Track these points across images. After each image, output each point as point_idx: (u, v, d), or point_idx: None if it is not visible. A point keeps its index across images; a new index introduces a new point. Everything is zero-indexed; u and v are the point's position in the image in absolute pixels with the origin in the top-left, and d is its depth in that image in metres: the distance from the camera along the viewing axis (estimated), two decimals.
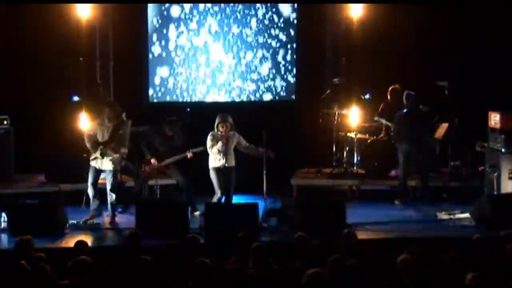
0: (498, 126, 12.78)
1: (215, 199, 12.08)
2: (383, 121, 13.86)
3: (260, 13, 15.44)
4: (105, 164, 11.78)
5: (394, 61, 14.82)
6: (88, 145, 11.89)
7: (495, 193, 12.52)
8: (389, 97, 14.10)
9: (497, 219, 11.21)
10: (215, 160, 12.14)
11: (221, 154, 12.06)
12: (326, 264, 7.64)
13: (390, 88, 14.05)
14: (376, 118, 14.00)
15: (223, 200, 12.12)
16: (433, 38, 14.97)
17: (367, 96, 14.48)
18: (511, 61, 14.61)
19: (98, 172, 11.91)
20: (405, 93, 13.21)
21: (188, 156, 12.58)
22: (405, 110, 13.16)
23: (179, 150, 12.66)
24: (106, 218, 11.96)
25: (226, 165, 12.11)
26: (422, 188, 13.29)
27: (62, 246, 10.52)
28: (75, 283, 7.38)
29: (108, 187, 11.89)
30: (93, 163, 11.83)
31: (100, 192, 12.04)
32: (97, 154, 11.74)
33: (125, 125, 11.95)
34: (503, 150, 12.64)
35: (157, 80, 15.35)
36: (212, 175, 12.15)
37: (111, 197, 11.91)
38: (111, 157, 11.76)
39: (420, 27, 14.92)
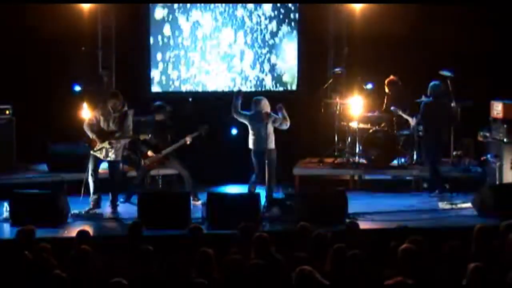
0: (500, 115, 12.78)
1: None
2: (399, 112, 13.69)
3: (262, 3, 15.42)
4: (110, 154, 11.79)
5: (396, 51, 14.80)
6: (90, 135, 11.88)
7: (497, 183, 12.52)
8: (386, 89, 14.08)
9: (499, 209, 11.20)
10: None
11: None
12: (328, 253, 7.66)
13: (387, 80, 14.03)
14: (392, 108, 13.79)
15: None
16: (436, 28, 14.93)
17: (369, 86, 14.46)
18: None
19: (99, 161, 11.93)
20: (431, 83, 13.10)
21: (188, 142, 12.57)
22: (431, 99, 13.06)
23: (173, 138, 12.63)
24: (108, 208, 11.97)
25: None
26: (437, 178, 13.13)
27: (64, 236, 10.52)
28: (76, 273, 7.39)
29: (111, 177, 11.90)
30: (97, 154, 11.83)
31: (102, 182, 12.05)
32: (105, 144, 11.75)
33: (129, 114, 11.97)
34: (505, 140, 12.63)
35: (159, 70, 15.34)
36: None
37: (113, 187, 11.92)
38: (117, 147, 11.78)
39: (423, 16, 14.87)
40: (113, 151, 11.78)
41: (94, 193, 11.93)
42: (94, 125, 11.87)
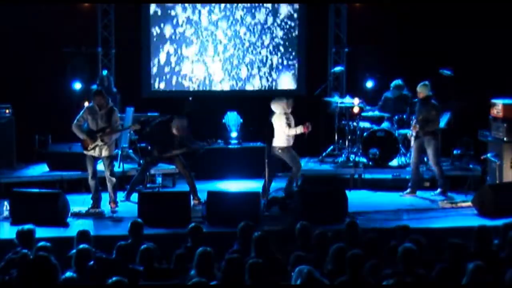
0: (500, 115, 12.76)
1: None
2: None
3: (262, 3, 15.43)
4: (104, 151, 11.87)
5: (396, 50, 14.80)
6: (81, 135, 11.90)
7: (497, 182, 12.51)
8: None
9: (499, 208, 11.22)
10: (290, 139, 12.31)
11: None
12: (327, 253, 7.66)
13: (394, 84, 13.99)
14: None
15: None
16: (436, 26, 14.92)
17: (370, 85, 14.44)
18: None
19: (95, 161, 11.98)
20: (426, 83, 12.74)
21: (203, 149, 12.65)
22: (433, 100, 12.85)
23: (183, 144, 12.60)
24: (110, 205, 11.99)
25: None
26: (444, 178, 13.02)
27: (64, 235, 10.51)
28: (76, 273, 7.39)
29: (108, 173, 11.97)
30: (91, 153, 11.88)
31: (100, 180, 12.09)
32: (98, 142, 11.80)
33: (115, 110, 12.08)
34: (505, 139, 12.62)
35: (159, 69, 15.34)
36: (292, 153, 12.32)
37: (111, 182, 11.98)
38: (110, 143, 11.86)
39: (423, 16, 14.87)
40: (106, 147, 11.87)
41: (94, 193, 11.97)
42: (82, 125, 11.94)
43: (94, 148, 11.86)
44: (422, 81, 12.76)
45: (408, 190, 12.86)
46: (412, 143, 12.84)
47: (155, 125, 12.82)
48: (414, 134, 12.75)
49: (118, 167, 12.93)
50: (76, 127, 11.91)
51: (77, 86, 14.63)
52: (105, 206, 12.00)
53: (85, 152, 11.96)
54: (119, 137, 13.25)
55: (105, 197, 12.06)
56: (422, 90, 12.69)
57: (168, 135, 12.59)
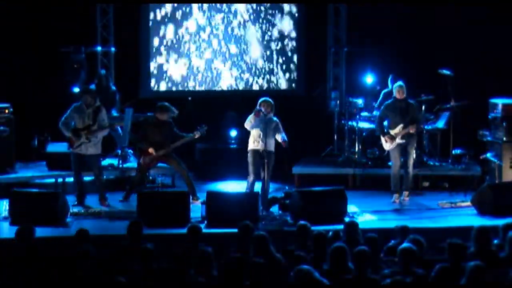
0: (499, 115, 12.76)
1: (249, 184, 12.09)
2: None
3: (262, 3, 15.43)
4: (90, 148, 11.95)
5: (395, 50, 14.80)
6: (66, 133, 12.01)
7: (496, 181, 12.51)
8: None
9: (498, 208, 11.22)
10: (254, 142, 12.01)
11: (261, 137, 11.85)
12: (327, 253, 7.66)
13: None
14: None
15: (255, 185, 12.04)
16: (435, 26, 14.93)
17: (370, 80, 14.45)
18: None
19: (81, 159, 12.08)
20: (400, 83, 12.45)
21: (196, 136, 12.51)
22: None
23: (175, 137, 12.55)
24: (100, 202, 12.06)
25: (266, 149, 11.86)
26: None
27: (64, 235, 10.51)
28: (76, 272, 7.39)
29: (96, 172, 12.09)
30: (77, 150, 11.97)
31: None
32: (83, 139, 11.89)
33: (102, 109, 12.17)
34: (504, 138, 12.62)
35: (158, 69, 15.33)
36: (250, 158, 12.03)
37: (100, 181, 12.15)
38: (96, 141, 11.90)
39: (422, 16, 14.87)
40: (91, 145, 11.93)
41: (78, 190, 12.18)
42: (69, 124, 12.01)
43: (79, 146, 11.94)
44: (398, 80, 12.44)
45: (407, 193, 12.68)
46: (393, 146, 12.38)
47: (144, 125, 12.77)
48: (400, 138, 12.31)
49: (117, 167, 12.91)
50: (63, 124, 12.05)
51: (76, 85, 14.61)
52: (105, 205, 12.04)
53: (71, 150, 12.03)
54: (119, 137, 13.30)
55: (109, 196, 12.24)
56: (404, 90, 12.28)
57: (158, 131, 12.49)
